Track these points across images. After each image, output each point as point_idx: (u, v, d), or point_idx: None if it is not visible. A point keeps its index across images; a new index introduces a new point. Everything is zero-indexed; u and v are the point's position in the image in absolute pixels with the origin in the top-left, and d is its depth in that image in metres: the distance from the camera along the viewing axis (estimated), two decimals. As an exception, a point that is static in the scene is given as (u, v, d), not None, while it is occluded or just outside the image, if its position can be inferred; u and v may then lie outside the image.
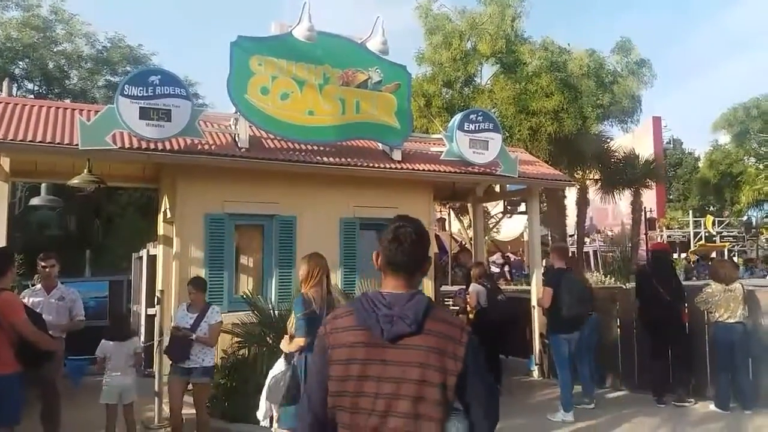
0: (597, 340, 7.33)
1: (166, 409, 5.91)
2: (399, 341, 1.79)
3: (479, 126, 8.22)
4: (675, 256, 22.95)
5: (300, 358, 4.10)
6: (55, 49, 18.93)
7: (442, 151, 8.17)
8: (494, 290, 7.87)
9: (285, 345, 4.26)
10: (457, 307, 8.37)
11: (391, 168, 7.75)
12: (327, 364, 1.85)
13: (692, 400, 6.87)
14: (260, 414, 4.28)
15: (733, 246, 29.90)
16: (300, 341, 4.05)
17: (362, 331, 1.82)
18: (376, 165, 7.66)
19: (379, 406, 1.77)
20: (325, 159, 7.38)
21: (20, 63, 18.45)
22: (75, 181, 6.90)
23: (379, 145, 8.17)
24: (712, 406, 6.61)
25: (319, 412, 1.87)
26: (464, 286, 9.23)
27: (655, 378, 7.05)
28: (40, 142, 6.09)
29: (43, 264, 5.68)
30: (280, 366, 4.23)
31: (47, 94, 18.60)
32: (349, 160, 7.52)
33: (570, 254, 7.51)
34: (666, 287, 6.91)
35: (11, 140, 5.97)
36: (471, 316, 7.93)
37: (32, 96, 17.94)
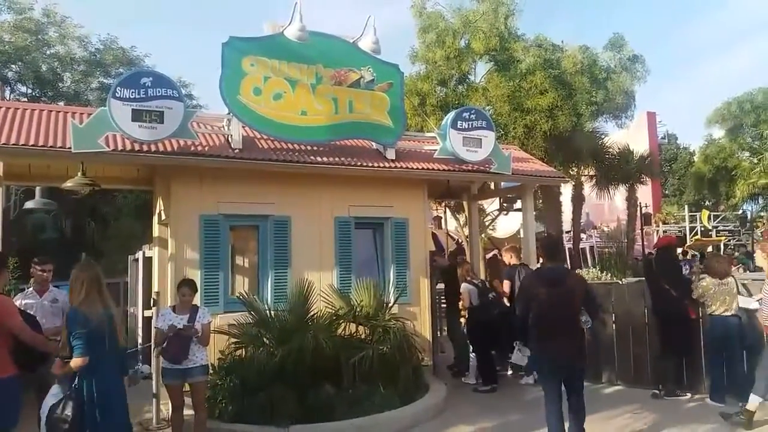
0: None
1: (164, 410, 5.92)
2: (556, 286, 4.68)
3: (472, 124, 8.25)
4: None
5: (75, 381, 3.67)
6: (47, 52, 18.85)
7: (435, 150, 8.20)
8: (484, 289, 7.88)
9: (59, 367, 3.79)
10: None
11: (385, 167, 7.76)
12: (530, 297, 4.78)
13: (688, 393, 6.90)
14: None
15: (729, 240, 29.99)
16: (78, 361, 3.65)
17: (540, 281, 4.82)
18: (370, 164, 7.67)
19: (551, 310, 4.64)
20: (318, 159, 7.39)
21: (13, 66, 18.37)
22: (69, 184, 6.89)
23: (373, 144, 8.18)
24: (707, 399, 6.65)
25: (525, 311, 4.80)
26: (443, 284, 9.23)
27: (662, 374, 7.02)
28: (33, 145, 6.11)
29: (39, 268, 5.67)
30: (54, 393, 3.86)
31: (40, 97, 18.52)
32: (343, 159, 7.53)
33: (521, 251, 8.64)
34: (670, 282, 6.92)
35: (5, 144, 5.99)
36: (463, 317, 7.89)
37: (25, 99, 17.88)
